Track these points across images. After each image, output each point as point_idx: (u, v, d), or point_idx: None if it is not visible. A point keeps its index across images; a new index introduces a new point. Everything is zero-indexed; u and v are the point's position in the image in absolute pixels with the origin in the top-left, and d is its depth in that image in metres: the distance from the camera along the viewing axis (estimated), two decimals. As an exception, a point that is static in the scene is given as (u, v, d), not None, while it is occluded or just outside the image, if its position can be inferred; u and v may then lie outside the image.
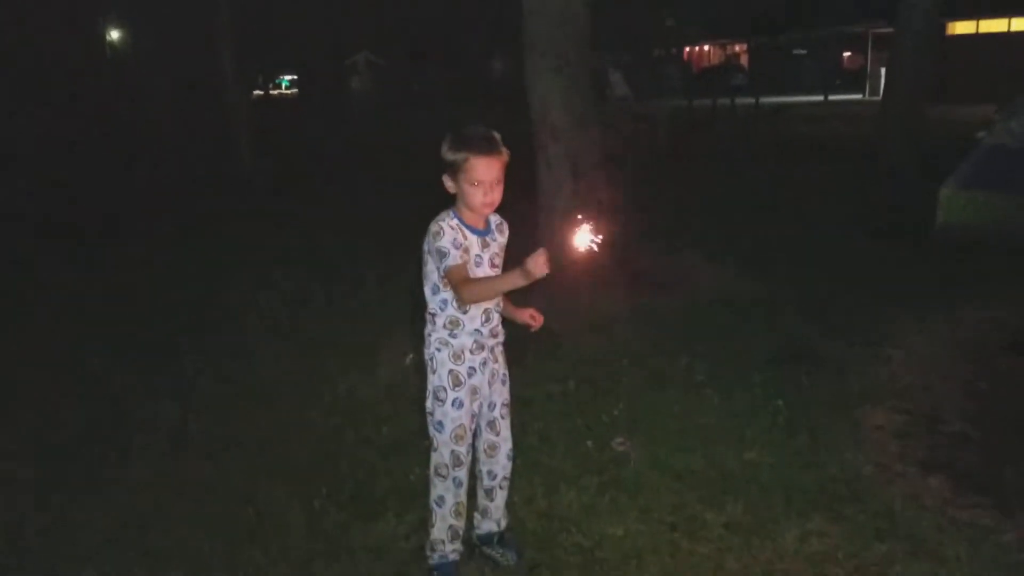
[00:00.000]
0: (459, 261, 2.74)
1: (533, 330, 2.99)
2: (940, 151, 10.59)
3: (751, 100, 24.71)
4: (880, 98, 28.50)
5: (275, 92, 40.54)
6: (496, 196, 2.82)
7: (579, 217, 2.62)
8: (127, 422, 4.54)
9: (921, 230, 8.09)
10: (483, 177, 2.76)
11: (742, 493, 3.58)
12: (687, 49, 52.08)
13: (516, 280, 2.60)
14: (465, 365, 2.89)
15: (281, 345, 5.74)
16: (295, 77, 41.83)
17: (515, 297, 2.97)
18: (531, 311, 3.02)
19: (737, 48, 49.21)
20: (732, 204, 10.07)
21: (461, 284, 2.72)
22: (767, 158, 13.92)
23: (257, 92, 26.22)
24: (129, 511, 3.64)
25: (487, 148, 2.79)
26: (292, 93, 41.58)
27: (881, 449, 4.01)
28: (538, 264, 2.51)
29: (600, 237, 2.60)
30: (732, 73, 40.66)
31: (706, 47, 52.41)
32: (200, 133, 16.51)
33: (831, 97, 31.10)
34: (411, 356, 4.11)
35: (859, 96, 33.02)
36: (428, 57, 40.93)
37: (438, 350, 2.90)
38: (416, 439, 4.12)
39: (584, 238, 2.60)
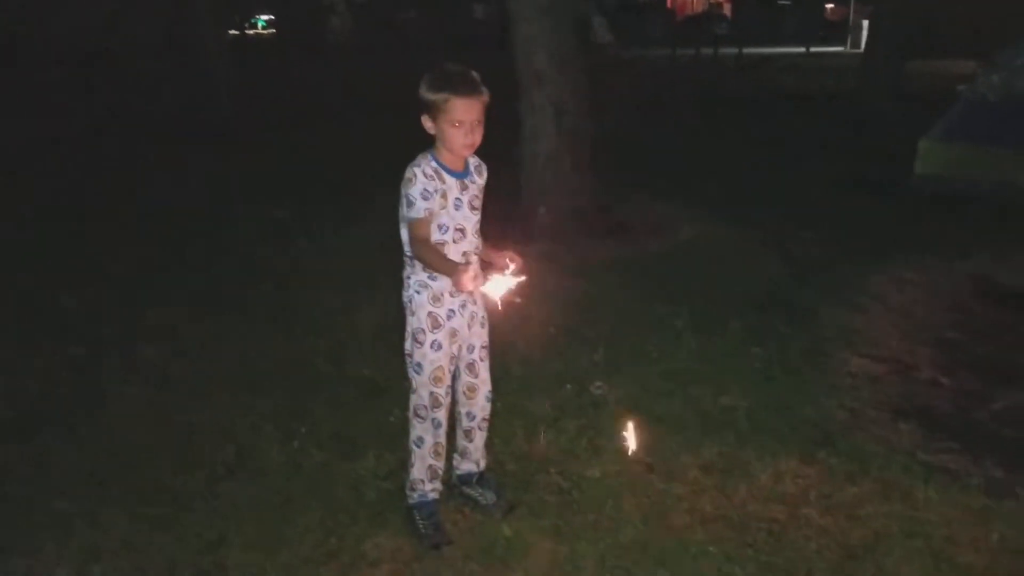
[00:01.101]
0: (422, 215, 2.72)
1: (509, 274, 2.97)
2: (922, 104, 10.60)
3: (734, 50, 24.50)
4: (860, 51, 28.58)
5: (251, 32, 39.65)
6: (476, 138, 2.78)
7: (500, 262, 2.76)
8: (108, 362, 4.53)
9: (900, 182, 8.13)
10: (463, 117, 2.73)
11: (718, 436, 3.64)
12: (669, -3, 51.39)
13: (447, 272, 2.71)
14: (444, 307, 2.89)
15: (263, 285, 5.71)
16: (271, 17, 40.93)
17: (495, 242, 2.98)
18: (509, 253, 3.00)
19: (721, -4, 48.67)
20: (713, 154, 10.06)
21: (417, 241, 2.74)
22: (749, 109, 13.88)
23: (232, 32, 25.59)
24: (109, 449, 3.64)
25: (468, 88, 2.75)
26: (269, 33, 40.69)
27: (854, 395, 4.07)
28: (463, 279, 2.59)
29: (519, 282, 2.70)
30: (715, 22, 40.24)
31: (689, -5, 51.74)
32: (176, 74, 16.12)
33: (813, 49, 30.90)
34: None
35: (841, 48, 32.82)
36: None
37: (417, 292, 2.89)
38: (397, 381, 4.11)
39: (500, 286, 2.68)
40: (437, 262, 2.75)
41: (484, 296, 2.95)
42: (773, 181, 8.60)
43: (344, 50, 27.31)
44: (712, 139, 11.03)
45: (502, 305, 2.70)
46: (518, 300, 2.72)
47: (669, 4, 51.26)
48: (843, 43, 33.86)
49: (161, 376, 4.36)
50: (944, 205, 7.35)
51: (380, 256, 6.20)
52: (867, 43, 14.02)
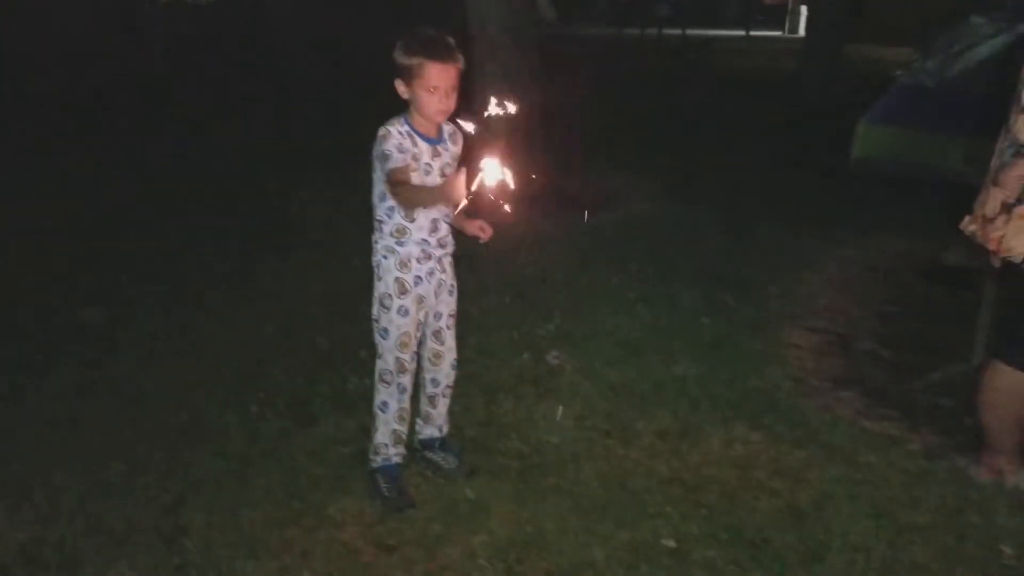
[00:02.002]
0: (400, 164, 2.72)
1: (482, 241, 2.99)
2: (859, 88, 10.87)
3: (677, 31, 24.70)
4: (798, 35, 29.06)
5: (187, -1, 38.48)
6: (451, 104, 2.80)
7: (485, 155, 2.60)
8: (50, 327, 4.43)
9: (839, 163, 8.34)
10: (438, 83, 2.73)
11: (671, 403, 3.74)
12: (613, -24, 51.43)
13: (439, 196, 2.68)
14: (411, 273, 2.90)
15: (209, 249, 5.64)
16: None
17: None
18: (480, 222, 3.01)
19: (663, -23, 48.83)
20: (659, 132, 10.18)
21: (395, 185, 2.72)
22: (694, 90, 14.03)
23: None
24: (57, 416, 3.56)
25: (443, 53, 2.75)
26: (207, 1, 39.55)
27: (798, 365, 4.22)
28: (454, 187, 2.53)
29: (508, 171, 2.58)
30: (658, 3, 40.43)
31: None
32: (108, 38, 15.60)
33: (752, 32, 31.33)
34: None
35: (779, 32, 33.34)
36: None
37: (384, 257, 2.90)
38: (352, 347, 4.15)
39: (493, 172, 2.57)
40: (421, 195, 2.76)
41: (452, 263, 2.97)
42: (720, 159, 8.75)
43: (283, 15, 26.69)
44: (659, 118, 11.13)
45: (495, 195, 2.57)
46: (505, 207, 2.62)
47: (612, -17, 51.36)
48: (781, 27, 34.40)
49: (107, 343, 4.28)
50: (881, 186, 7.58)
51: (333, 220, 6.24)
52: (807, 27, 14.29)
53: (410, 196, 2.75)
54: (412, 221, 2.85)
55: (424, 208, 2.83)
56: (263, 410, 3.61)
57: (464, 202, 2.60)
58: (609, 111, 11.11)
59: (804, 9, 33.59)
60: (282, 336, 4.36)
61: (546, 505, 3.00)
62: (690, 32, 24.16)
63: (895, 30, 19.69)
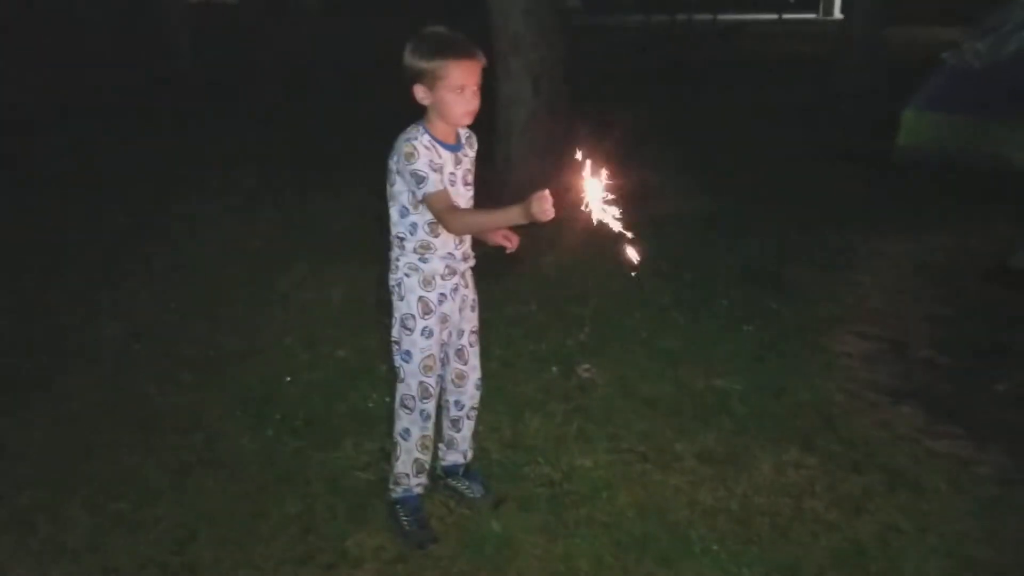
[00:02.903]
0: (440, 187, 2.49)
1: (508, 251, 2.76)
2: (903, 72, 10.46)
3: (707, 16, 24.23)
4: (833, 18, 28.41)
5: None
6: (477, 103, 2.56)
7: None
8: (65, 343, 4.26)
9: (883, 153, 7.99)
10: (465, 81, 2.50)
11: (713, 421, 3.47)
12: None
13: (515, 218, 2.37)
14: (436, 291, 2.67)
15: (228, 260, 5.46)
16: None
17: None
18: (504, 231, 2.78)
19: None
20: (692, 124, 9.86)
21: (448, 214, 2.48)
22: (726, 77, 13.68)
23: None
24: (69, 438, 3.39)
25: (467, 51, 2.52)
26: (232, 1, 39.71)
27: (850, 376, 3.92)
28: (543, 208, 2.27)
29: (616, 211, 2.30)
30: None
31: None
32: (136, 35, 15.54)
33: (785, 16, 30.73)
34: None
35: (813, 15, 32.69)
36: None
37: (407, 275, 2.66)
38: (373, 362, 3.95)
39: (596, 193, 2.29)
40: (487, 219, 2.52)
41: (474, 277, 2.74)
42: (755, 151, 8.43)
43: (311, 16, 26.65)
44: (690, 108, 10.82)
45: (599, 217, 2.31)
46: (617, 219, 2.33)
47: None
48: (815, 10, 33.72)
49: (121, 360, 4.09)
50: (928, 176, 7.23)
51: (351, 228, 6.04)
52: (845, 9, 13.83)
53: (468, 223, 2.55)
54: (437, 236, 2.62)
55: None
56: (279, 432, 3.41)
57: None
58: (637, 103, 10.83)
59: (839, -8, 33.09)
60: (302, 350, 4.16)
61: (579, 540, 2.75)
62: (721, 17, 23.63)
63: (938, 9, 19.11)
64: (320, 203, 6.63)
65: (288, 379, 3.84)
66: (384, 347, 3.99)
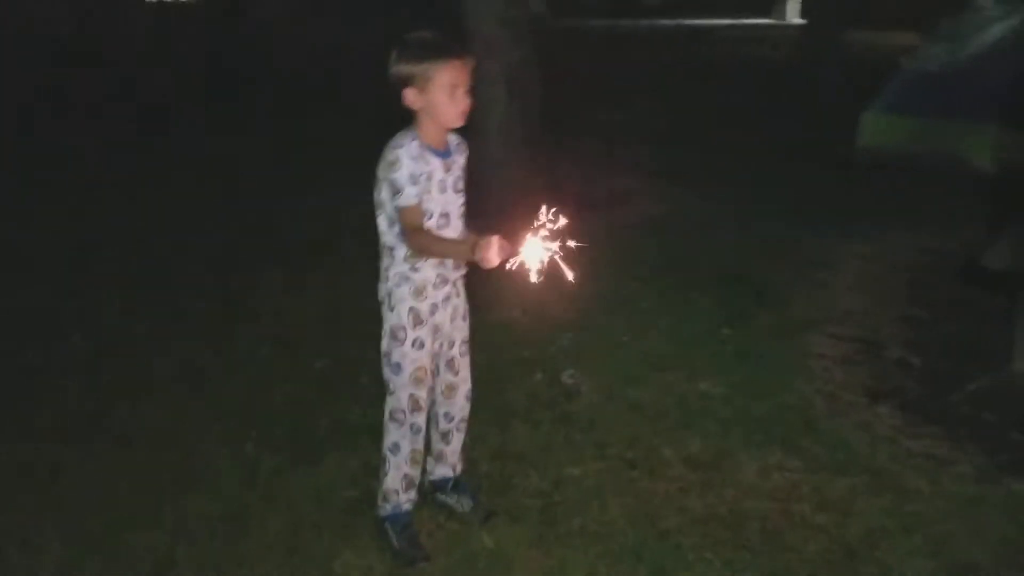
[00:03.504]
0: (414, 202, 2.47)
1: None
2: (863, 75, 10.61)
3: (668, 22, 24.39)
4: (787, 22, 28.79)
5: (169, -1, 38.04)
6: (468, 104, 2.54)
7: (534, 220, 2.38)
8: (29, 360, 4.12)
9: (846, 154, 8.10)
10: (456, 81, 2.48)
11: (698, 426, 3.49)
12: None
13: (464, 254, 2.46)
14: (427, 302, 2.63)
15: (199, 267, 5.37)
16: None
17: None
18: (497, 238, 2.76)
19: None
20: (661, 128, 9.91)
21: (413, 232, 2.49)
22: (693, 80, 13.76)
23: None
24: (36, 460, 3.28)
25: (455, 51, 2.51)
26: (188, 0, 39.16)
27: (828, 377, 3.96)
28: (487, 256, 2.32)
29: (557, 245, 2.35)
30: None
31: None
32: (94, 40, 15.20)
33: (742, 20, 31.02)
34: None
35: (768, 20, 33.07)
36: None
37: (397, 285, 2.62)
38: (353, 373, 3.90)
39: (535, 250, 2.36)
40: (444, 247, 2.54)
41: (465, 285, 2.71)
42: (724, 153, 8.48)
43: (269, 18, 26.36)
44: (660, 111, 10.86)
45: (540, 276, 2.37)
46: (569, 275, 2.38)
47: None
48: (767, 14, 34.10)
49: (88, 375, 3.98)
50: (889, 177, 7.34)
51: (323, 234, 5.97)
52: (807, 13, 14.01)
53: (427, 246, 2.53)
54: None
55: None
56: (259, 448, 3.34)
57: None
58: (610, 106, 10.87)
59: (793, -4, 33.49)
60: (279, 359, 4.10)
61: (573, 552, 2.74)
62: (684, 22, 23.83)
63: (893, 15, 19.45)
64: (290, 208, 6.54)
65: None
66: (364, 357, 3.97)
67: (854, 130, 8.12)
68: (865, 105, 8.17)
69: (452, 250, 2.55)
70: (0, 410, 3.66)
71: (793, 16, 32.08)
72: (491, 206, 6.17)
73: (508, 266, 2.37)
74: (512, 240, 2.37)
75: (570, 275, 2.38)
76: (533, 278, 2.37)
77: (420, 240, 2.51)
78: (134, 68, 13.57)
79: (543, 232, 2.37)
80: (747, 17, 31.29)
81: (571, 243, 2.39)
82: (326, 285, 4.99)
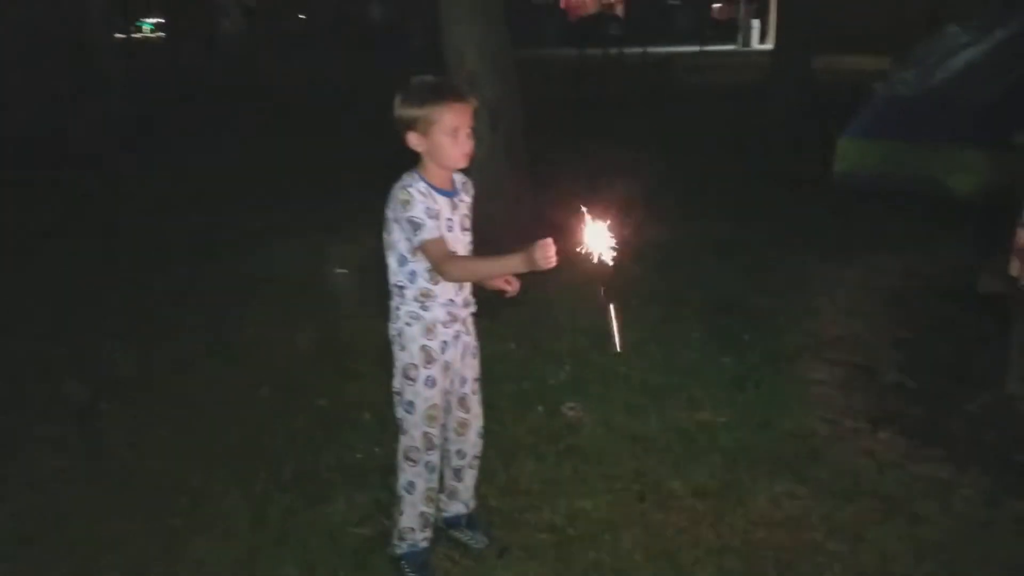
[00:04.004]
0: (436, 234, 2.48)
1: (509, 295, 2.76)
2: (830, 99, 10.83)
3: (637, 49, 24.70)
4: (752, 48, 29.31)
5: (138, 35, 37.96)
6: (471, 146, 2.57)
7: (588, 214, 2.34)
8: (26, 405, 4.07)
9: (820, 178, 8.24)
10: (459, 124, 2.51)
11: (704, 456, 3.50)
12: (563, -3, 51.73)
13: (516, 266, 2.38)
14: (437, 340, 2.64)
15: (189, 305, 5.34)
16: (160, 20, 39.22)
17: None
18: (550, 239, 2.76)
19: (613, -2, 49.15)
20: (638, 154, 10.01)
21: (445, 261, 2.48)
22: (662, 108, 13.95)
23: (119, 35, 24.40)
24: (45, 507, 3.23)
25: (457, 94, 2.55)
26: (156, 37, 39.07)
27: (828, 404, 4.00)
28: (547, 256, 2.28)
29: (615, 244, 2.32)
30: (608, 22, 40.62)
31: (583, -5, 52.23)
32: (59, 79, 15.05)
33: (706, 48, 31.55)
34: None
35: (732, 47, 33.66)
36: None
37: (408, 324, 2.63)
38: (354, 411, 3.90)
39: (599, 242, 2.32)
40: (489, 266, 2.51)
41: (475, 323, 2.72)
42: (701, 180, 8.60)
43: (236, 53, 26.41)
44: (633, 139, 10.98)
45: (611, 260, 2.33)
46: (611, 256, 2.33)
47: (563, 4, 51.61)
48: (733, 41, 34.73)
49: (90, 419, 3.92)
50: (867, 201, 7.47)
51: (315, 265, 5.96)
52: (776, 40, 14.28)
53: (470, 269, 2.54)
54: (436, 283, 2.60)
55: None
56: (268, 488, 3.31)
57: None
58: (584, 138, 10.96)
59: (756, 23, 34.19)
60: (279, 399, 4.06)
61: (592, 587, 2.74)
62: (649, 50, 24.15)
63: (856, 40, 19.91)
64: (277, 246, 6.52)
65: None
66: (364, 394, 3.98)
67: (824, 153, 8.28)
68: (839, 130, 8.33)
69: (500, 265, 2.47)
70: (1, 456, 3.60)
71: (757, 42, 32.77)
72: (480, 238, 6.22)
73: (581, 251, 2.33)
74: (564, 237, 2.34)
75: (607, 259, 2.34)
76: (608, 260, 2.33)
77: (456, 268, 2.50)
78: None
79: (596, 221, 2.34)
80: (712, 44, 31.89)
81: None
82: (321, 323, 4.96)
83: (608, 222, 2.36)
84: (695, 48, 31.12)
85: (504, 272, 2.53)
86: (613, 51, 23.58)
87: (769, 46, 17.76)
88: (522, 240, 2.38)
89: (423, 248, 2.48)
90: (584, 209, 2.38)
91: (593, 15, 46.71)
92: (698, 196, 7.92)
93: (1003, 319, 4.06)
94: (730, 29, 36.52)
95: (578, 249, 2.35)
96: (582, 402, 3.97)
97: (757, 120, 12.01)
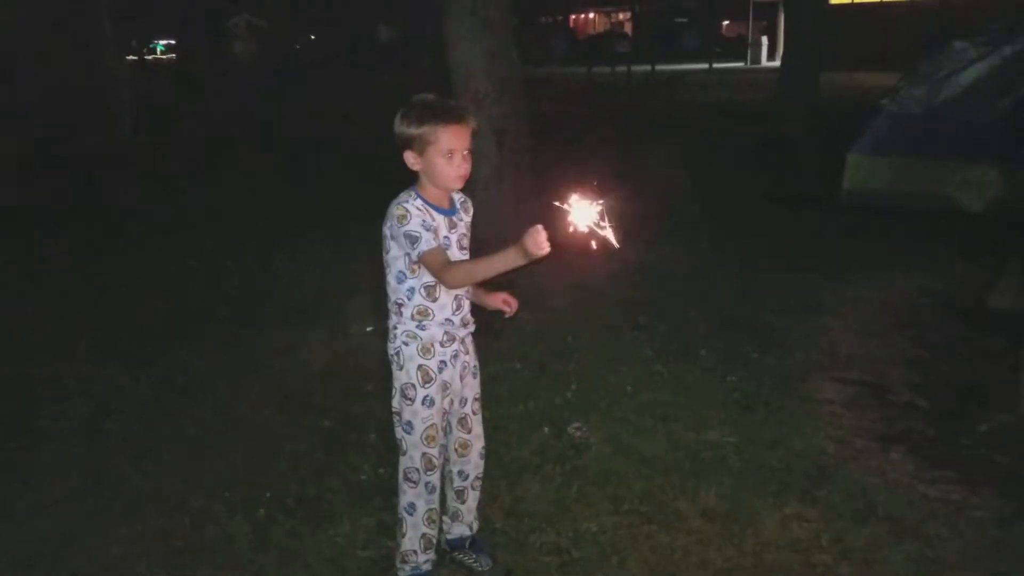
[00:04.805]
0: (434, 244, 2.47)
1: (508, 315, 2.74)
2: (837, 116, 10.79)
3: (645, 67, 24.79)
4: (761, 65, 29.33)
5: (150, 57, 38.38)
6: (468, 168, 2.56)
7: (576, 193, 2.30)
8: (31, 425, 4.07)
9: (828, 196, 8.20)
10: (455, 146, 2.50)
11: (711, 477, 3.46)
12: (572, 16, 52.06)
13: (513, 259, 2.31)
14: (435, 359, 2.62)
15: (194, 327, 5.33)
16: (171, 42, 39.70)
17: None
18: (504, 296, 2.78)
19: (621, 16, 49.42)
20: (640, 174, 9.99)
21: (444, 268, 2.46)
22: (670, 125, 13.95)
23: (131, 57, 24.65)
24: (48, 529, 3.23)
25: (455, 116, 2.53)
26: (168, 58, 39.47)
27: (837, 423, 3.95)
28: (538, 242, 2.24)
29: (606, 221, 2.29)
30: (617, 40, 40.78)
31: (591, 14, 52.55)
32: (72, 103, 15.21)
33: (715, 65, 31.63)
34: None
35: (741, 64, 33.71)
36: (312, 21, 39.75)
37: (405, 344, 2.61)
38: (359, 432, 3.87)
39: (584, 214, 2.28)
40: (488, 264, 2.40)
41: (474, 342, 2.70)
42: (709, 197, 8.56)
43: (247, 74, 26.68)
44: (640, 157, 10.98)
45: (596, 243, 2.29)
46: (612, 241, 2.29)
47: (571, 23, 51.91)
48: (742, 59, 34.79)
49: (92, 439, 3.92)
50: (876, 218, 7.43)
51: (321, 287, 5.96)
52: (784, 58, 14.27)
53: (469, 272, 2.48)
54: (435, 301, 2.58)
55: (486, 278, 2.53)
56: (272, 510, 3.28)
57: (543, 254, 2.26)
58: (586, 153, 10.97)
59: (765, 40, 34.24)
60: (284, 421, 4.04)
61: (597, 611, 2.70)
62: (658, 68, 24.22)
63: (867, 57, 19.92)
64: (284, 265, 6.53)
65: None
66: (369, 415, 3.96)
67: (832, 171, 8.24)
68: (848, 147, 8.30)
69: (498, 262, 2.38)
70: (9, 476, 3.60)
71: (766, 60, 32.79)
72: (581, 245, 6.20)
73: (567, 230, 2.28)
74: (555, 221, 2.30)
75: (615, 242, 2.29)
76: (592, 243, 2.29)
77: (457, 272, 2.48)
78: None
79: (586, 196, 2.30)
80: (720, 61, 31.94)
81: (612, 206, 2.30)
82: (324, 343, 4.95)
83: (592, 199, 2.31)
84: (704, 65, 31.23)
85: (504, 267, 2.40)
86: (621, 69, 23.65)
87: (777, 63, 17.73)
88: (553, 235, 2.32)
89: (423, 260, 2.47)
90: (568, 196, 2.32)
91: (601, 33, 47.01)
92: (705, 214, 7.88)
93: (1015, 337, 4.01)
94: (739, 46, 36.62)
95: (570, 228, 2.29)
96: (588, 422, 3.94)
97: (765, 138, 11.98)
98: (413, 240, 2.46)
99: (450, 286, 2.53)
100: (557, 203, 2.31)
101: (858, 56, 20.99)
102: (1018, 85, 7.63)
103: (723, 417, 3.97)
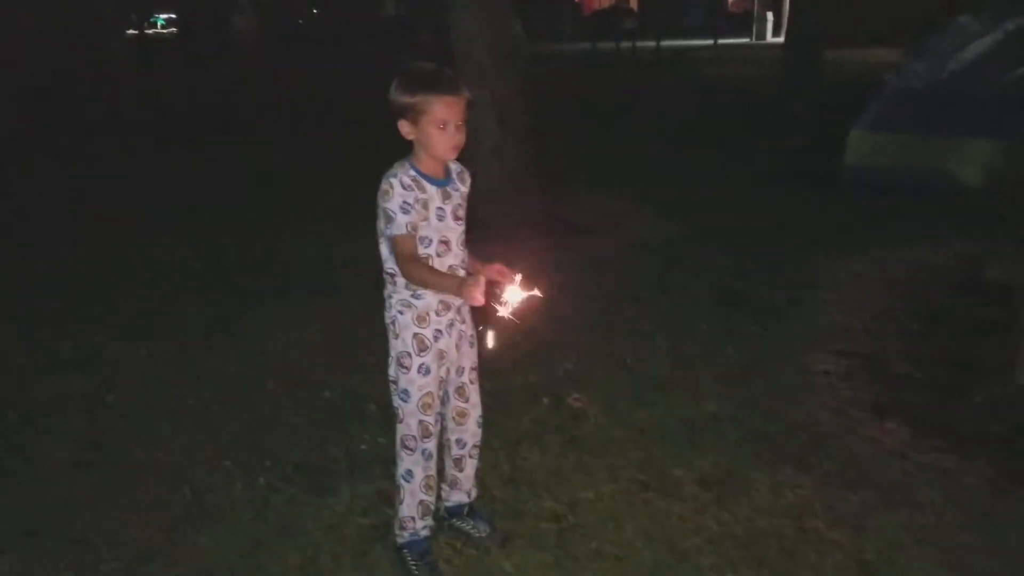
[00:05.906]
0: (404, 231, 2.48)
1: (502, 309, 2.75)
2: (841, 92, 10.75)
3: (650, 44, 24.65)
4: (766, 42, 29.15)
5: (150, 31, 38.20)
6: (461, 138, 2.56)
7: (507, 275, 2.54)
8: (32, 399, 4.10)
9: (831, 171, 8.19)
10: (448, 117, 2.50)
11: (708, 446, 3.50)
12: (578, -9, 51.64)
13: (451, 288, 2.47)
14: (431, 328, 2.65)
15: (196, 299, 5.37)
16: (171, 16, 39.50)
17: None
18: (498, 266, 2.77)
19: (628, -9, 48.98)
20: (647, 150, 10.00)
21: (407, 261, 2.50)
22: (675, 102, 13.91)
23: (131, 31, 24.52)
24: (49, 499, 3.27)
25: (449, 86, 2.53)
26: (168, 32, 39.29)
27: (833, 394, 3.99)
28: (472, 294, 2.36)
29: (530, 296, 2.51)
30: (623, 16, 40.51)
31: (597, -10, 52.12)
32: (73, 78, 15.20)
33: (720, 41, 31.45)
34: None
35: (747, 40, 33.51)
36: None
37: (400, 312, 2.64)
38: (361, 402, 3.91)
39: (515, 297, 2.50)
40: (434, 279, 2.51)
41: (479, 311, 2.71)
42: (713, 174, 8.58)
43: (249, 49, 26.54)
44: (645, 133, 10.98)
45: (515, 317, 2.51)
46: (515, 319, 2.51)
47: (577, -1, 51.52)
48: (748, 35, 34.58)
49: (96, 412, 3.97)
50: (878, 193, 7.43)
51: (323, 259, 5.99)
52: (788, 33, 14.19)
53: (418, 275, 2.53)
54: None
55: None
56: (272, 479, 3.33)
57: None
58: (595, 130, 10.96)
59: (770, 16, 34.01)
60: (285, 392, 4.08)
61: (592, 575, 2.74)
62: (662, 44, 24.08)
63: (867, 33, 19.78)
64: (285, 239, 6.55)
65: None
66: (370, 386, 4.00)
67: (834, 147, 8.22)
68: (851, 123, 8.27)
69: (443, 283, 2.51)
70: (9, 450, 3.63)
71: (771, 36, 32.58)
72: (489, 232, 6.22)
73: (498, 307, 2.50)
74: (498, 283, 2.51)
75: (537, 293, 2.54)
76: (506, 314, 2.52)
77: (412, 270, 2.51)
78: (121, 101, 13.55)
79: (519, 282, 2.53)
80: (726, 37, 31.74)
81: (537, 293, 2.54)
82: (325, 316, 4.98)
83: (529, 290, 2.53)
84: (709, 41, 31.04)
85: (441, 291, 2.56)
86: (626, 44, 23.51)
87: (783, 39, 17.63)
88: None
89: (392, 240, 2.50)
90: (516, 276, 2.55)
91: (607, 9, 46.66)
92: (706, 189, 7.89)
93: (1011, 310, 4.02)
94: (745, 22, 36.37)
95: (498, 305, 2.49)
96: (588, 394, 3.97)
97: (768, 113, 11.95)
98: (388, 219, 2.48)
99: (402, 277, 2.56)
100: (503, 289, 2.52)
101: (869, 32, 20.84)
102: (1021, 60, 7.59)
103: (721, 388, 4.00)
